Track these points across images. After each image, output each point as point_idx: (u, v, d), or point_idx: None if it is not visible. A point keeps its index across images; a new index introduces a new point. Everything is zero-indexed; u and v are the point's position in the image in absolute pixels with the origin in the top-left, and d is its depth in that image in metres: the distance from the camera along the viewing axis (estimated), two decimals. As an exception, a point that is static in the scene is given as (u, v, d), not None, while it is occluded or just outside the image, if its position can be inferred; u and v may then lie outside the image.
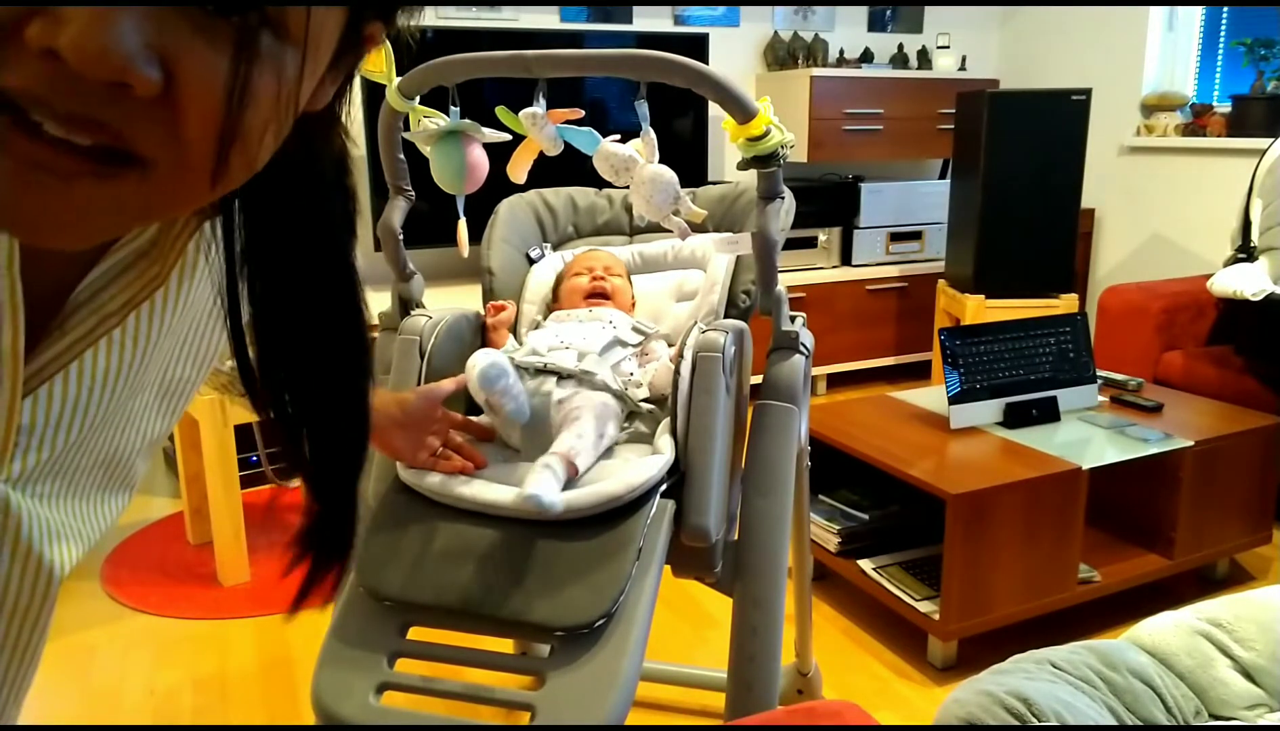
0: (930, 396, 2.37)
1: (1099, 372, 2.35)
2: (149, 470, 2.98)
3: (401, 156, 1.35)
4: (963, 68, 4.13)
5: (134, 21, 0.32)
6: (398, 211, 1.38)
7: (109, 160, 0.35)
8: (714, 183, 2.18)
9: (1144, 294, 2.91)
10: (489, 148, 1.27)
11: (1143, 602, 2.09)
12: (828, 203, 3.78)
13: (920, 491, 1.90)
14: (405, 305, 1.43)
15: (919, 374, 3.93)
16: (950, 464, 1.96)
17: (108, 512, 0.54)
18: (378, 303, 1.46)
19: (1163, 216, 3.83)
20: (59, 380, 0.47)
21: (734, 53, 3.96)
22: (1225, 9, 3.74)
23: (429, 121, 1.26)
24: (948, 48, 4.06)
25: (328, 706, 1.02)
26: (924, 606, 1.90)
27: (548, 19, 3.64)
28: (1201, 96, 3.84)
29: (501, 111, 1.25)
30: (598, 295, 1.47)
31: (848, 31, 4.17)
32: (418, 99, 1.25)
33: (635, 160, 1.20)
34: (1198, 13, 3.82)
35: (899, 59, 4.13)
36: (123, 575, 2.35)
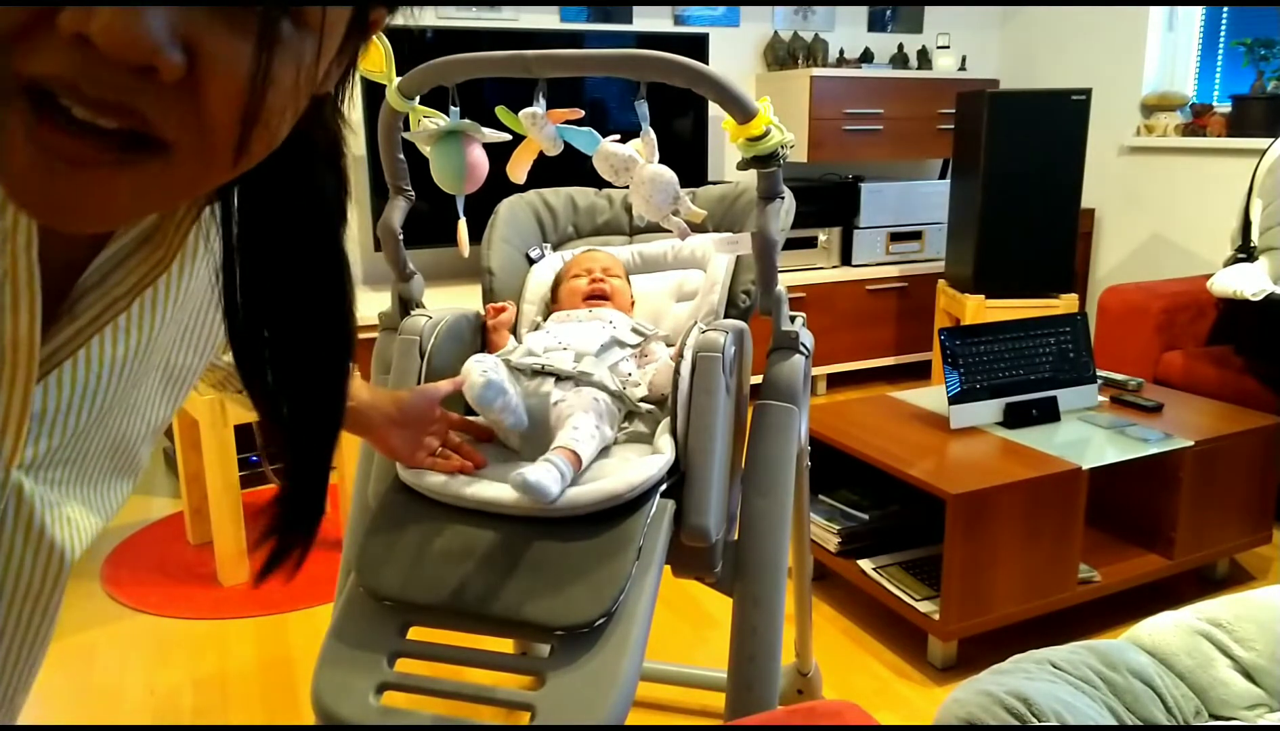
0: (930, 396, 2.37)
1: (1099, 373, 2.35)
2: (149, 470, 2.98)
3: (401, 156, 1.35)
4: (963, 68, 4.13)
5: (161, 9, 0.34)
6: (398, 211, 1.38)
7: (132, 145, 0.36)
8: (714, 183, 2.18)
9: (1144, 294, 2.91)
10: (489, 148, 1.27)
11: (1143, 602, 2.09)
12: (828, 203, 3.78)
13: (920, 491, 1.90)
14: (405, 305, 1.43)
15: (919, 374, 3.93)
16: (950, 464, 1.96)
17: (114, 498, 0.55)
18: (378, 303, 1.47)
19: (1163, 216, 3.83)
20: (68, 366, 0.48)
21: (734, 53, 3.96)
22: (1225, 9, 3.74)
23: (429, 121, 1.26)
24: (948, 48, 4.06)
25: (328, 706, 1.02)
26: (924, 606, 1.90)
27: (548, 19, 3.64)
28: (1201, 96, 3.84)
29: (501, 111, 1.25)
30: (597, 297, 1.47)
31: (848, 31, 4.18)
32: (418, 99, 1.25)
33: (635, 160, 1.20)
34: (1198, 13, 3.82)
35: (899, 59, 4.13)
36: (123, 575, 2.35)
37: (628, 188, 1.22)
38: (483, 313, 1.46)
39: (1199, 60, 3.86)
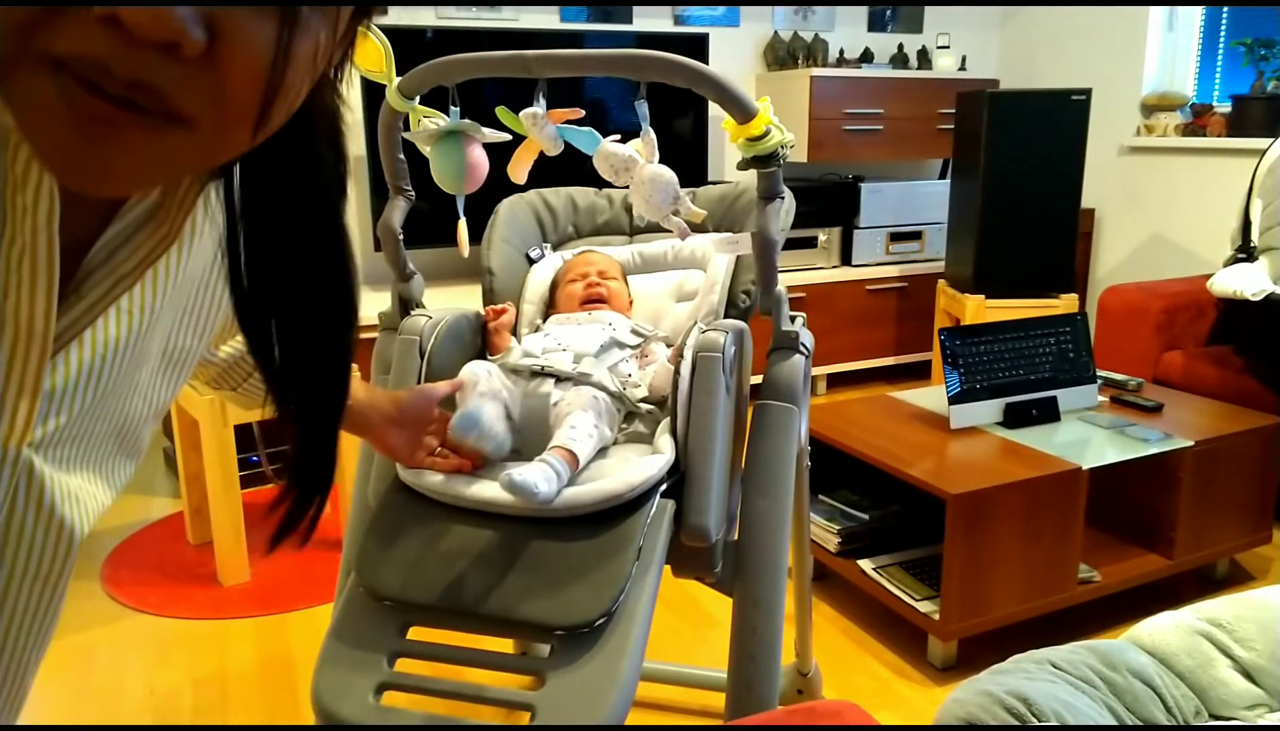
0: (930, 396, 2.37)
1: (1099, 373, 2.35)
2: (149, 470, 2.97)
3: (401, 156, 1.35)
4: (963, 68, 4.13)
5: None
6: (398, 211, 1.38)
7: (157, 116, 0.39)
8: (714, 183, 2.18)
9: (1144, 294, 2.91)
10: (489, 148, 1.27)
11: (1143, 602, 2.09)
12: (828, 203, 3.78)
13: (920, 491, 1.90)
14: (405, 305, 1.43)
15: (919, 374, 3.93)
16: (950, 464, 1.96)
17: (118, 479, 0.57)
18: (378, 303, 1.47)
19: (1163, 216, 3.83)
20: (75, 346, 0.49)
21: (734, 53, 3.96)
22: (1225, 9, 3.74)
23: (429, 121, 1.26)
24: (948, 48, 4.06)
25: (328, 706, 1.02)
26: (924, 606, 1.90)
27: (548, 19, 3.64)
28: (1201, 96, 3.84)
29: (501, 111, 1.25)
30: (594, 300, 1.48)
31: (848, 31, 4.18)
32: (418, 99, 1.25)
33: (635, 160, 1.20)
34: (1198, 13, 3.82)
35: (899, 59, 4.13)
36: (123, 575, 2.35)
37: (628, 188, 1.22)
38: (483, 313, 1.46)
39: (1199, 60, 3.86)
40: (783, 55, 3.95)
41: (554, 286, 1.55)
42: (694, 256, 1.59)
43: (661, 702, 1.82)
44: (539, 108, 1.20)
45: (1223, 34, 3.79)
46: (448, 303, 1.81)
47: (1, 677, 0.53)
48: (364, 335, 2.86)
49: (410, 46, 2.99)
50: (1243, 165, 3.17)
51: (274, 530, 0.61)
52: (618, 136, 1.22)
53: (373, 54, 1.19)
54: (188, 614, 2.17)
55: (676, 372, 1.20)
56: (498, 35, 3.48)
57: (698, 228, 1.49)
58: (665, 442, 1.19)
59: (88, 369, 0.50)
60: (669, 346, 1.41)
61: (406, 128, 1.29)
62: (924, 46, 4.19)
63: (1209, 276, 2.78)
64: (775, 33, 3.99)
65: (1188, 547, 2.11)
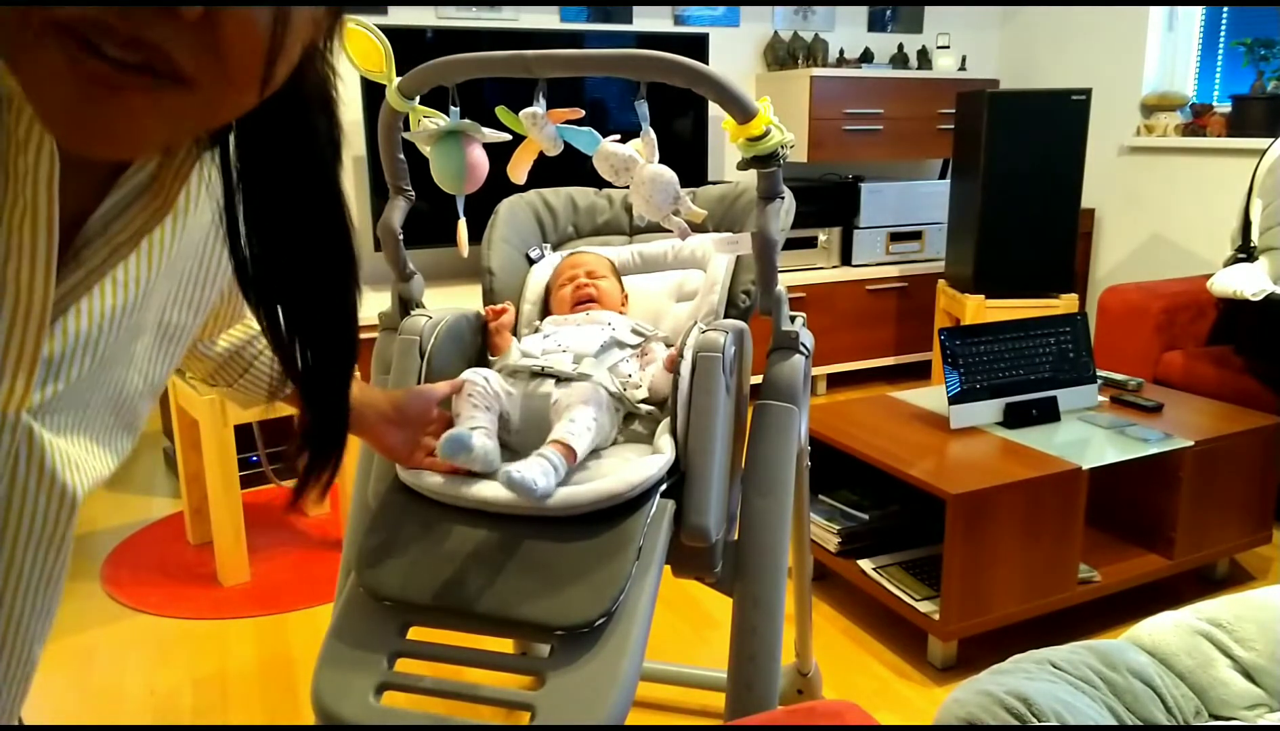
0: (930, 396, 2.37)
1: (1099, 373, 2.35)
2: (149, 470, 2.96)
3: (401, 156, 1.35)
4: (963, 68, 4.13)
5: None
6: (398, 211, 1.38)
7: (158, 76, 0.40)
8: (714, 183, 2.18)
9: (1144, 294, 2.91)
10: (489, 148, 1.27)
11: (1143, 602, 2.09)
12: (828, 203, 3.78)
13: (920, 491, 1.90)
14: (405, 305, 1.43)
15: (919, 374, 3.93)
16: (950, 464, 1.96)
17: (116, 451, 0.58)
18: (378, 303, 1.47)
19: (1163, 216, 3.83)
20: (72, 313, 0.50)
21: (734, 53, 3.96)
22: (1225, 9, 3.74)
23: (429, 121, 1.26)
24: (948, 48, 4.06)
25: (328, 706, 1.02)
26: (924, 606, 1.90)
27: (548, 19, 3.64)
28: (1201, 96, 3.84)
29: (501, 111, 1.25)
30: (585, 302, 1.48)
31: (848, 31, 4.18)
32: (418, 99, 1.25)
33: (635, 160, 1.20)
34: (1198, 13, 3.82)
35: (899, 59, 4.13)
36: (123, 575, 2.35)
37: (628, 188, 1.22)
38: (483, 313, 1.46)
39: (1199, 60, 3.86)
40: (783, 55, 3.95)
41: (548, 292, 1.55)
42: (694, 256, 1.59)
43: (661, 702, 1.82)
44: (539, 108, 1.20)
45: (1223, 34, 3.79)
46: (448, 303, 1.81)
47: (10, 644, 0.54)
48: (364, 335, 2.86)
49: (410, 46, 2.99)
50: (1243, 165, 3.17)
51: (294, 490, 0.63)
52: (618, 136, 1.22)
53: (373, 54, 1.19)
54: (188, 614, 2.17)
55: (676, 373, 1.20)
56: (498, 35, 3.48)
57: (698, 228, 1.49)
58: (665, 442, 1.19)
59: (85, 337, 0.51)
60: (669, 346, 1.41)
61: (406, 128, 1.29)
62: (924, 46, 4.19)
63: (1209, 276, 2.78)
64: (775, 33, 3.99)
65: (1188, 547, 2.11)
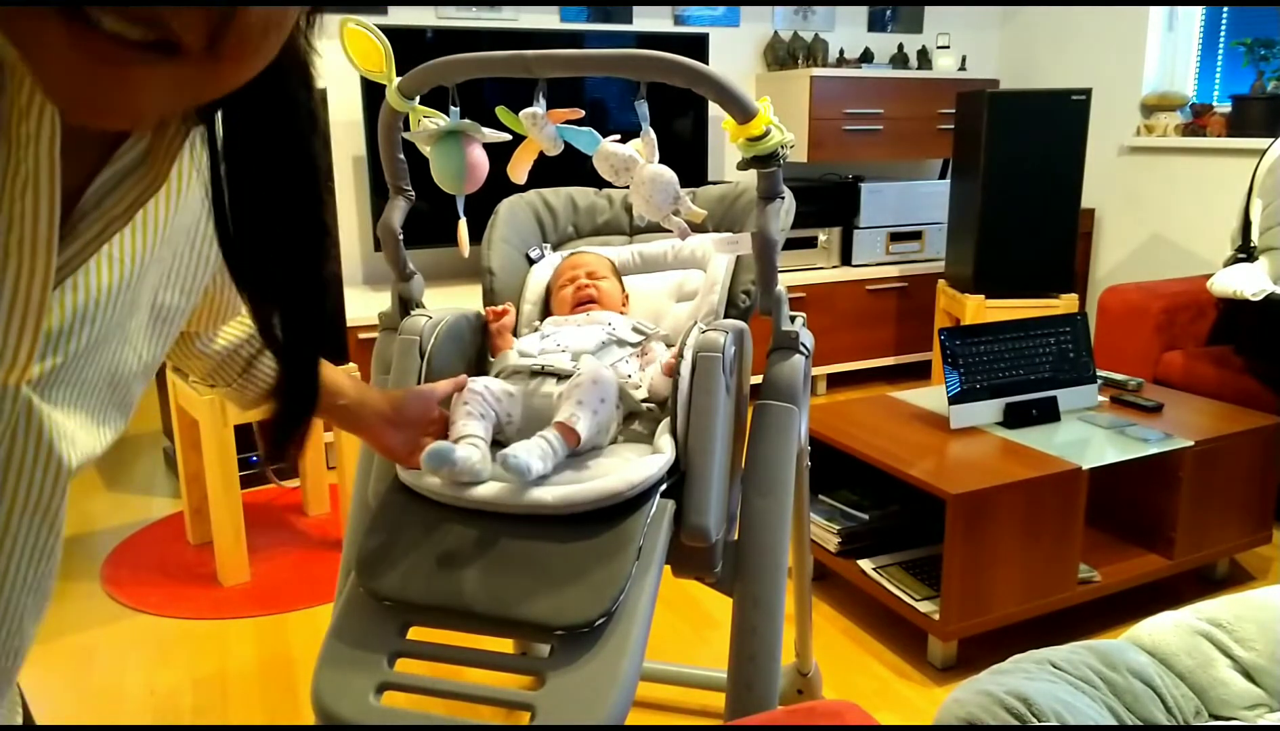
0: (930, 396, 2.37)
1: (1099, 373, 2.35)
2: (149, 470, 2.96)
3: (401, 156, 1.35)
4: (963, 68, 4.13)
5: None
6: (398, 211, 1.38)
7: (157, 50, 0.41)
8: (714, 183, 2.18)
9: (1144, 294, 2.91)
10: (489, 148, 1.27)
11: (1143, 602, 2.09)
12: (828, 203, 3.78)
13: (920, 491, 1.90)
14: (405, 305, 1.43)
15: (919, 374, 3.93)
16: (950, 464, 1.96)
17: (109, 429, 0.58)
18: (378, 303, 1.47)
19: (1163, 216, 3.83)
20: (69, 289, 0.51)
21: (734, 53, 3.96)
22: (1225, 9, 3.74)
23: (429, 121, 1.26)
24: (948, 48, 4.06)
25: (328, 706, 1.02)
26: (924, 606, 1.90)
27: (548, 19, 3.64)
28: (1201, 96, 3.85)
29: (501, 111, 1.25)
30: (585, 302, 1.48)
31: (848, 31, 4.18)
32: (418, 99, 1.25)
33: (635, 160, 1.20)
34: (1198, 13, 3.82)
35: (899, 59, 4.13)
36: (123, 575, 2.35)
37: (628, 188, 1.22)
38: (483, 313, 1.46)
39: (1199, 60, 3.86)
40: (783, 55, 3.95)
41: (549, 291, 1.55)
42: (694, 256, 1.59)
43: (661, 702, 1.82)
44: (539, 108, 1.20)
45: (1223, 34, 3.79)
46: (448, 303, 1.81)
47: (4, 617, 0.55)
48: (364, 335, 2.87)
49: (410, 46, 2.99)
50: (1243, 165, 3.17)
51: (269, 447, 0.66)
52: (618, 136, 1.22)
53: (373, 54, 1.20)
54: (188, 614, 2.17)
55: (676, 373, 1.20)
56: (498, 35, 3.48)
57: (698, 228, 1.49)
58: (665, 442, 1.19)
59: (81, 311, 0.52)
60: (669, 345, 1.41)
61: (406, 128, 1.29)
62: (924, 46, 4.19)
63: (1209, 276, 2.78)
64: (775, 33, 3.99)
65: (1188, 547, 2.11)
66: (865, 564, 2.05)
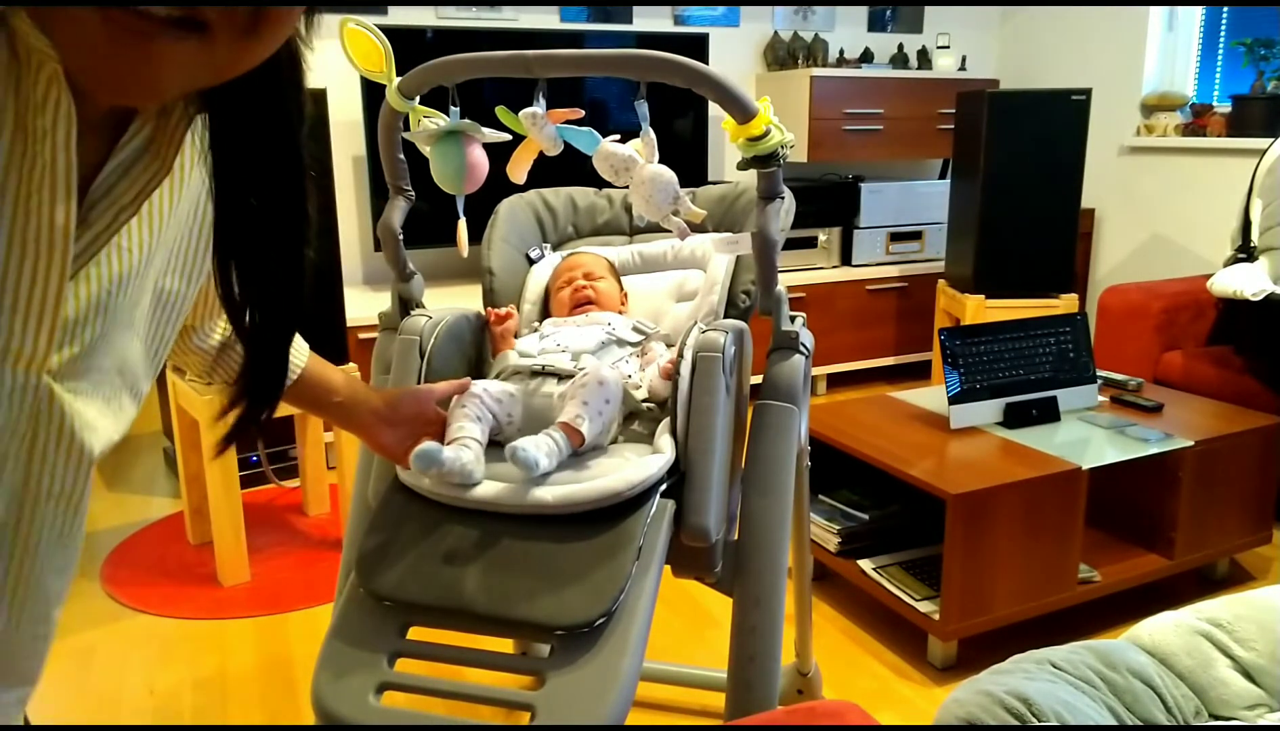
0: (930, 396, 2.37)
1: (1099, 372, 2.35)
2: (149, 470, 2.95)
3: (401, 156, 1.35)
4: (963, 68, 4.13)
5: None
6: (398, 211, 1.38)
7: (180, 26, 0.42)
8: (714, 183, 2.18)
9: (1144, 294, 2.91)
10: (489, 148, 1.27)
11: (1143, 602, 2.09)
12: (828, 203, 3.78)
13: (920, 491, 1.90)
14: (405, 305, 1.43)
15: (919, 374, 3.93)
16: (950, 464, 1.96)
17: (124, 418, 0.59)
18: (378, 303, 1.47)
19: (1163, 216, 3.83)
20: (83, 279, 0.52)
21: (734, 53, 3.96)
22: (1225, 9, 3.74)
23: (429, 121, 1.26)
24: (948, 48, 4.06)
25: (328, 706, 1.02)
26: (924, 606, 1.90)
27: (548, 19, 3.64)
28: (1201, 96, 3.84)
29: (501, 111, 1.25)
30: (583, 304, 1.48)
31: (848, 31, 4.18)
32: (418, 99, 1.25)
33: (635, 160, 1.20)
34: (1198, 13, 3.82)
35: (899, 59, 4.13)
36: (123, 575, 2.35)
37: (628, 188, 1.22)
38: (484, 313, 1.46)
39: (1199, 60, 3.86)
40: (783, 55, 3.95)
41: (548, 292, 1.55)
42: (694, 256, 1.59)
43: (661, 702, 1.82)
44: (539, 108, 1.20)
45: (1223, 34, 3.79)
46: (448, 303, 1.81)
47: (31, 600, 0.55)
48: (364, 335, 2.87)
49: (410, 46, 2.99)
50: (1243, 165, 3.17)
51: (224, 435, 0.68)
52: (618, 136, 1.22)
53: (373, 54, 1.20)
54: (188, 614, 2.17)
55: (676, 373, 1.20)
56: (498, 35, 3.48)
57: (698, 228, 1.49)
58: (665, 442, 1.19)
59: (96, 301, 0.53)
60: (670, 345, 1.41)
61: (406, 128, 1.29)
62: (924, 46, 4.19)
63: (1209, 276, 2.78)
64: (775, 33, 3.99)
65: (1188, 547, 2.11)
66: (865, 564, 2.05)
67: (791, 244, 3.67)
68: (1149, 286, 2.97)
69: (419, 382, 1.30)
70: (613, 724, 0.97)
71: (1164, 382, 2.68)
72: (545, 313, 1.55)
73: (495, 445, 1.28)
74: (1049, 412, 2.20)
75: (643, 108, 1.17)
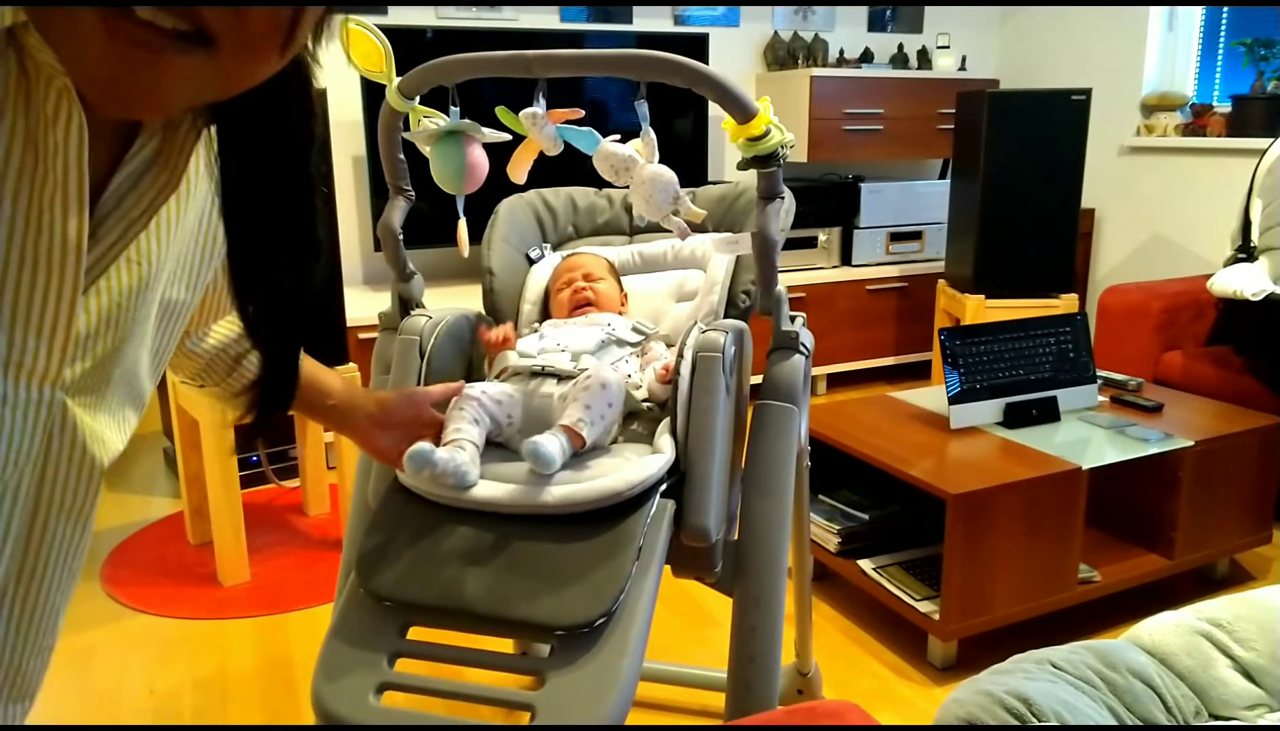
0: (930, 396, 2.37)
1: (1099, 372, 2.35)
2: (149, 470, 2.96)
3: (401, 156, 1.35)
4: (963, 68, 4.13)
5: None
6: (398, 211, 1.38)
7: (187, 40, 0.42)
8: (714, 183, 2.18)
9: (1144, 294, 2.91)
10: (489, 148, 1.27)
11: (1143, 602, 2.09)
12: (828, 203, 3.78)
13: (920, 491, 1.90)
14: (405, 305, 1.43)
15: (919, 374, 3.93)
16: (950, 464, 1.96)
17: (127, 428, 0.59)
18: (378, 303, 1.47)
19: (1163, 216, 3.83)
20: (93, 294, 0.52)
21: (734, 53, 3.96)
22: (1225, 9, 3.74)
23: (429, 121, 1.26)
24: (948, 48, 4.06)
25: (328, 706, 1.02)
26: (924, 606, 1.90)
27: (548, 19, 3.64)
28: (1201, 96, 3.84)
29: (501, 111, 1.25)
30: (583, 305, 1.47)
31: (848, 31, 4.18)
32: (418, 99, 1.26)
33: (635, 160, 1.20)
34: (1198, 13, 3.82)
35: (899, 59, 4.13)
36: (123, 575, 2.35)
37: (628, 188, 1.22)
38: (480, 333, 1.45)
39: (1199, 60, 3.86)
40: (783, 55, 3.95)
41: (547, 293, 1.55)
42: (694, 256, 1.59)
43: (661, 702, 1.82)
44: (539, 108, 1.20)
45: (1223, 34, 3.79)
46: (448, 303, 1.81)
47: (40, 614, 0.55)
48: (364, 335, 2.87)
49: (410, 46, 2.99)
50: (1243, 165, 3.17)
51: (241, 438, 0.69)
52: (618, 136, 1.22)
53: (373, 54, 1.20)
54: (188, 614, 2.17)
55: (676, 373, 1.20)
56: (498, 35, 3.48)
57: (698, 228, 1.49)
58: (665, 442, 1.19)
59: (106, 314, 0.53)
60: (670, 345, 1.41)
61: (406, 128, 1.29)
62: (924, 46, 4.19)
63: (1209, 276, 2.77)
64: (775, 33, 3.99)
65: (1188, 547, 2.11)
66: (865, 564, 2.05)
67: (791, 244, 3.67)
68: (1149, 286, 2.97)
69: (419, 382, 1.30)
70: (613, 724, 0.97)
71: (1164, 382, 2.68)
72: (545, 313, 1.55)
73: (495, 446, 1.28)
74: (1049, 412, 2.20)
75: (643, 108, 1.17)
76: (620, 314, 1.49)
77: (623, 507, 1.11)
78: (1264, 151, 2.78)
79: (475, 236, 1.39)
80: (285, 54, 0.46)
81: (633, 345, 1.40)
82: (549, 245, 1.65)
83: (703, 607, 2.15)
